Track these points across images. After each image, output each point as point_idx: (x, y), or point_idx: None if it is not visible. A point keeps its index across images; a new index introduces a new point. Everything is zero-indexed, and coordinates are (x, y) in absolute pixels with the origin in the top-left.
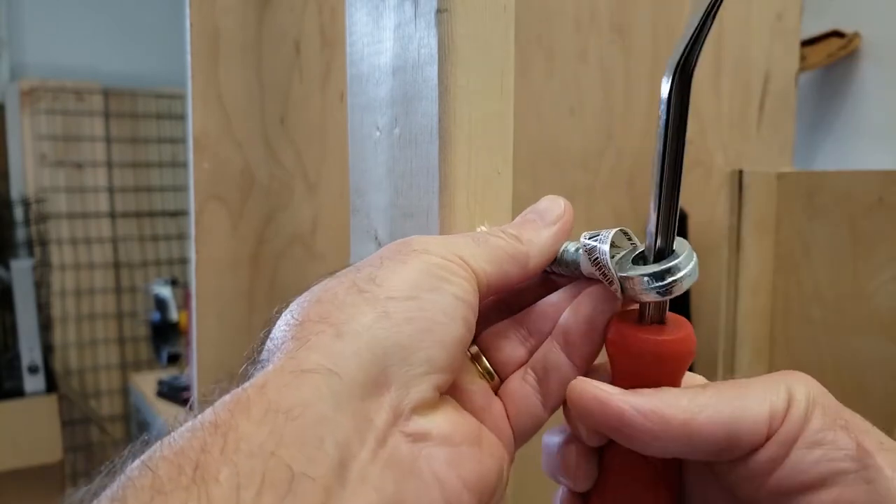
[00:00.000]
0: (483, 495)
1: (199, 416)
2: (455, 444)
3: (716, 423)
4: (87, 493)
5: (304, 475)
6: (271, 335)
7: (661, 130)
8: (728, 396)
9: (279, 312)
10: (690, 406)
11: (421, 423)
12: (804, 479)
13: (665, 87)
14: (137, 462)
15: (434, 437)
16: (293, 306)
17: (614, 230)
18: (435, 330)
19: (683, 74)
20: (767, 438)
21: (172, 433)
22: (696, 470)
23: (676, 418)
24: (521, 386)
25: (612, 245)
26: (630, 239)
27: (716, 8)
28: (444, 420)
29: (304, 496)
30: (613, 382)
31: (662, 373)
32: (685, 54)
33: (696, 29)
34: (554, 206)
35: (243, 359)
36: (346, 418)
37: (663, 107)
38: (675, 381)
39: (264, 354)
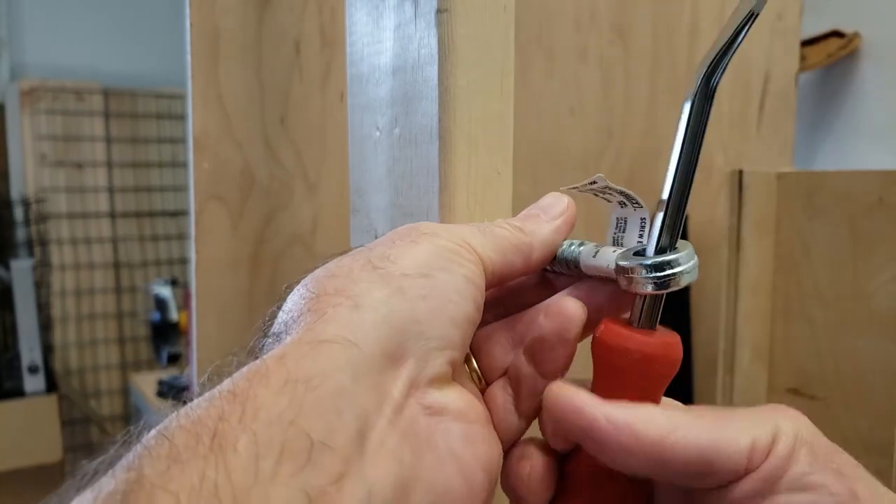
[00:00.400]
0: (492, 478)
1: (217, 387)
2: (470, 420)
3: (691, 447)
4: (103, 463)
5: (323, 445)
6: (284, 307)
7: (680, 136)
8: (709, 421)
9: (289, 289)
10: (667, 424)
11: (437, 397)
12: None
13: (689, 97)
14: (154, 431)
15: (450, 411)
16: (307, 280)
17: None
18: (448, 308)
19: (707, 85)
20: (747, 472)
21: (189, 403)
22: (668, 494)
23: (650, 435)
24: (500, 394)
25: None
26: (635, 203)
27: (748, 25)
28: (459, 397)
29: (323, 466)
30: (594, 387)
31: (646, 377)
32: (712, 66)
33: (726, 44)
34: (557, 203)
35: (254, 331)
36: (365, 389)
37: (684, 115)
38: (657, 390)
39: (278, 327)
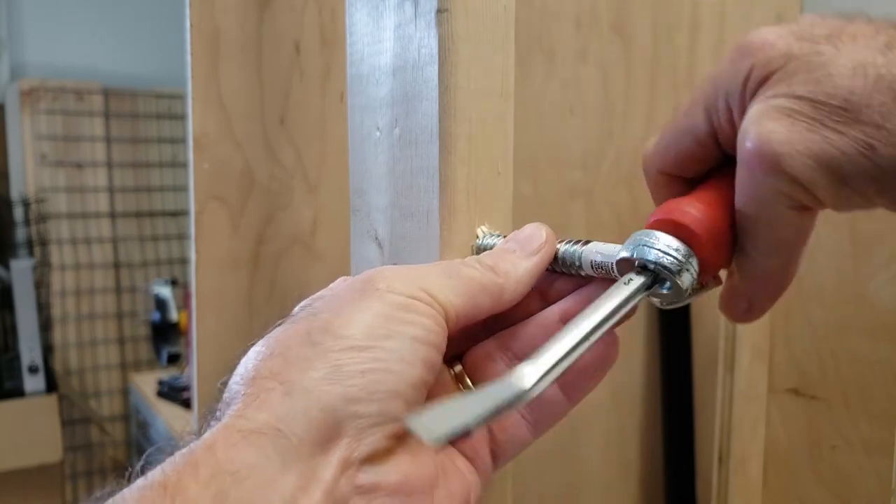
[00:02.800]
0: None
1: (151, 475)
2: (408, 492)
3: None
4: None
5: None
6: (233, 378)
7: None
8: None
9: (244, 353)
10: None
11: (370, 475)
12: None
13: None
14: None
15: (384, 487)
16: (251, 354)
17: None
18: (389, 380)
19: None
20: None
21: (124, 490)
22: None
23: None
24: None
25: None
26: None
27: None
28: (395, 470)
29: None
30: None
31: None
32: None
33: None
34: (536, 235)
35: (216, 392)
36: (293, 478)
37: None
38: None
39: (223, 401)
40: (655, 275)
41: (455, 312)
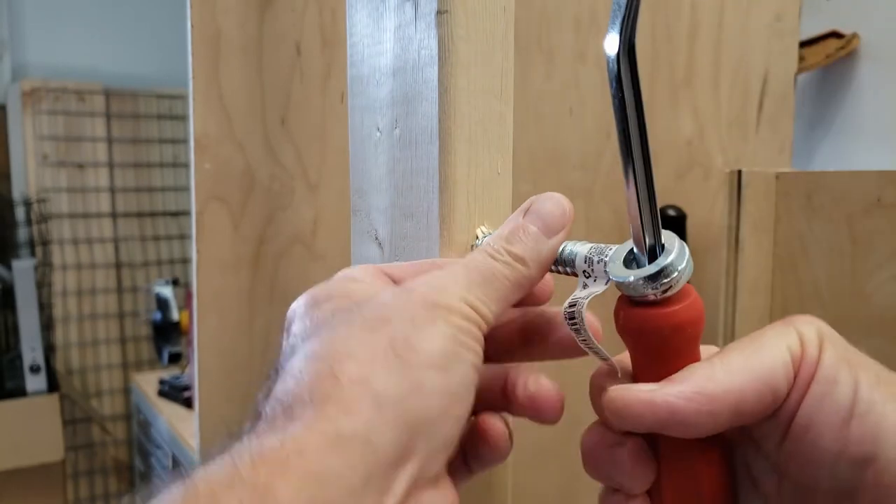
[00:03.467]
0: None
1: (241, 465)
2: None
3: (754, 381)
4: None
5: None
6: (291, 370)
7: (621, 123)
8: (750, 352)
9: (289, 337)
10: (726, 374)
11: (430, 497)
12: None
13: (614, 66)
14: None
15: None
16: (320, 352)
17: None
18: (456, 407)
19: (631, 51)
20: (795, 379)
21: (209, 479)
22: (740, 448)
23: (719, 390)
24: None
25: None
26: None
27: None
28: (444, 498)
29: None
30: (634, 370)
31: (682, 342)
32: (627, 30)
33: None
34: (557, 211)
35: (264, 378)
36: (373, 491)
37: (617, 93)
38: (695, 349)
39: (283, 394)
40: (652, 254)
41: (493, 320)
